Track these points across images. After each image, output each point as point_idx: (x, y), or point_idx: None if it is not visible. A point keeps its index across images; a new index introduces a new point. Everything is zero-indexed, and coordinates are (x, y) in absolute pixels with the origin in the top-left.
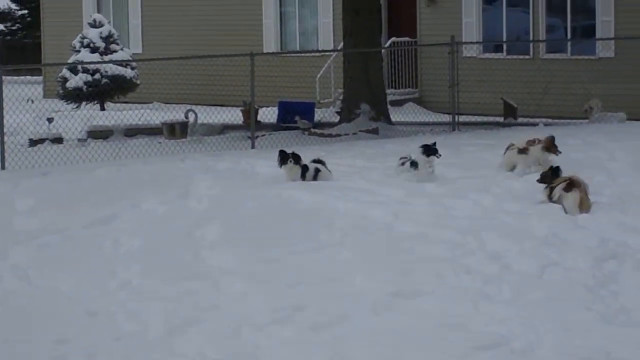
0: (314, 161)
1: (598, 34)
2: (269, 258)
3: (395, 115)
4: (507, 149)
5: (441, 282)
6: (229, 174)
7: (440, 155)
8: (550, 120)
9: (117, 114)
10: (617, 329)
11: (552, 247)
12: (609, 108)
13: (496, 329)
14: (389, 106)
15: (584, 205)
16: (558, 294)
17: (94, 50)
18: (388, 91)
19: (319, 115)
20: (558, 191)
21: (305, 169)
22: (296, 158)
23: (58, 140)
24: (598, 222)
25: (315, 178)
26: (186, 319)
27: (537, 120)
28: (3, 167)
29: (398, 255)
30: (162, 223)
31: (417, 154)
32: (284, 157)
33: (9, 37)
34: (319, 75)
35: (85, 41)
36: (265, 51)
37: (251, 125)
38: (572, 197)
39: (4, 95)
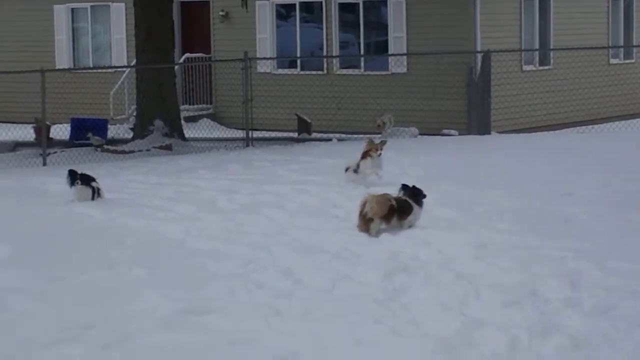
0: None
1: (390, 50)
2: (58, 276)
3: (190, 131)
4: (346, 171)
5: (232, 298)
6: (18, 192)
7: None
8: (344, 136)
9: None
10: (406, 340)
11: (344, 261)
12: (402, 123)
13: (286, 344)
14: (183, 122)
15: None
16: (349, 308)
17: None
18: (182, 107)
19: (112, 131)
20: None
21: (94, 189)
22: (85, 179)
23: None
24: (390, 236)
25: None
26: None
27: (331, 135)
28: None
29: (190, 271)
30: None
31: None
32: (73, 178)
33: None
34: (112, 92)
35: None
36: (58, 67)
37: (43, 142)
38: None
39: None
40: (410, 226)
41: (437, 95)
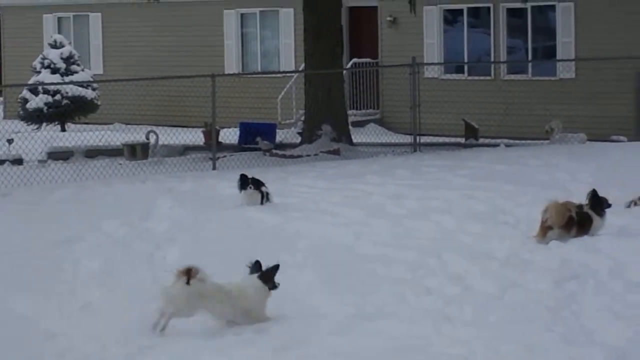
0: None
1: (559, 55)
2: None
3: (357, 136)
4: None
5: (403, 303)
6: (190, 196)
7: None
8: (511, 141)
9: (78, 135)
10: (578, 349)
11: (514, 268)
12: (570, 129)
13: (457, 350)
14: (350, 127)
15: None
16: (519, 315)
17: (54, 71)
18: (349, 112)
19: (280, 136)
20: None
21: (264, 194)
22: (256, 183)
23: (18, 161)
24: (559, 243)
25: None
26: (146, 342)
27: (498, 141)
28: None
29: (359, 276)
30: (123, 245)
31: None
32: (244, 182)
33: None
34: (280, 97)
35: (46, 62)
36: (226, 72)
37: (212, 146)
38: None
39: None
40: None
41: (606, 100)
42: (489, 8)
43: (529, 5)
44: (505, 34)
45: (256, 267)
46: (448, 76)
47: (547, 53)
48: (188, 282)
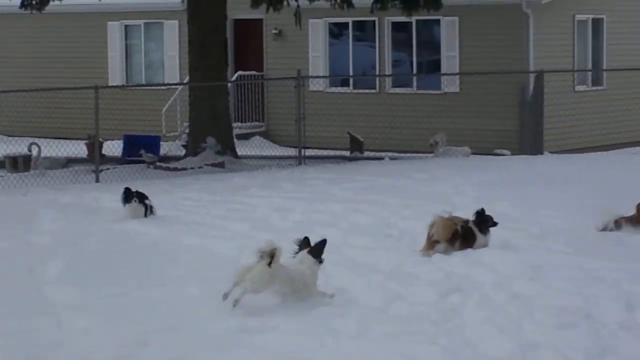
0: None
1: (443, 69)
2: (113, 293)
3: (242, 148)
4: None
5: (288, 317)
6: (73, 209)
7: None
8: (396, 154)
9: None
10: None
11: (399, 281)
12: (454, 142)
13: None
14: (235, 140)
15: None
16: (402, 328)
17: None
18: (234, 125)
19: (165, 148)
20: None
21: (148, 207)
22: (140, 196)
23: None
24: (443, 256)
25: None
26: (27, 357)
27: (383, 154)
28: None
29: None
30: (3, 258)
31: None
32: (128, 195)
33: None
34: (164, 109)
35: None
36: (110, 84)
37: (95, 159)
38: None
39: None
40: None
41: (490, 114)
42: (374, 21)
43: (413, 19)
44: (390, 48)
45: (305, 243)
46: (333, 89)
47: (431, 67)
48: (270, 264)
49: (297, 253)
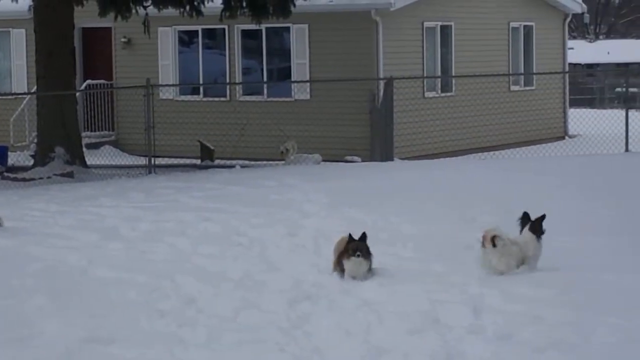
0: None
1: (293, 77)
2: None
3: (92, 158)
4: None
5: (136, 327)
6: None
7: None
8: (247, 162)
9: None
10: None
11: (248, 289)
12: (305, 150)
13: None
14: (84, 149)
15: None
16: (252, 336)
17: None
18: (84, 134)
19: (13, 159)
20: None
21: None
22: None
23: None
24: (293, 264)
25: None
26: None
27: (234, 162)
28: None
29: (93, 300)
30: None
31: None
32: None
33: None
34: (12, 118)
35: None
36: None
37: None
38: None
39: None
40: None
41: (340, 122)
42: (224, 29)
43: (263, 27)
44: (240, 56)
45: (526, 218)
46: (183, 97)
47: (282, 74)
48: (494, 245)
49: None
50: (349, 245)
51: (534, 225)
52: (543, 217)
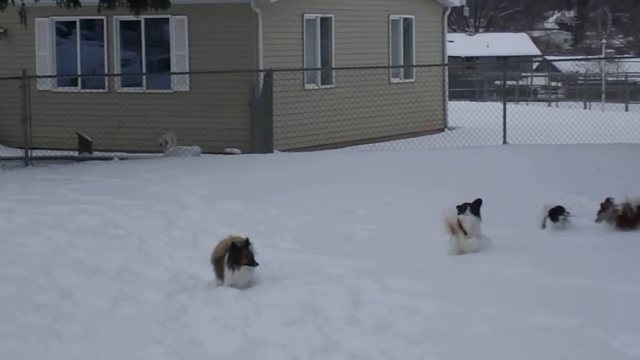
0: None
1: (173, 68)
2: None
3: None
4: None
5: (10, 320)
6: None
7: None
8: (126, 154)
9: None
10: None
11: (125, 282)
12: (184, 142)
13: None
14: None
15: None
16: (129, 328)
17: None
18: None
19: None
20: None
21: None
22: None
23: None
24: (172, 257)
25: None
26: None
27: (112, 154)
28: None
29: None
30: None
31: None
32: None
33: None
34: None
35: None
36: None
37: None
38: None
39: None
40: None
41: (220, 113)
42: (102, 20)
43: (142, 18)
44: (119, 47)
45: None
46: (61, 89)
47: (162, 66)
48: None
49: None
50: (234, 253)
51: (475, 208)
52: (480, 200)
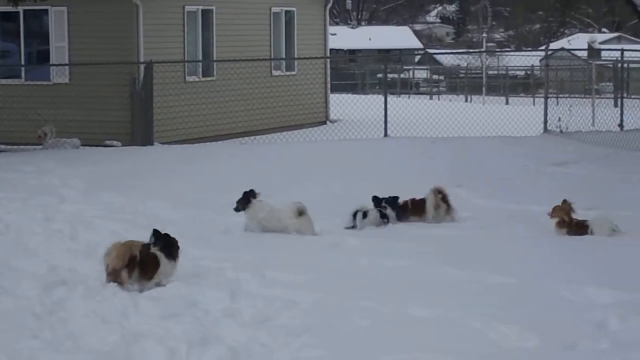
0: None
1: (52, 60)
2: None
3: None
4: None
5: None
6: None
7: None
8: (4, 147)
9: None
10: (64, 356)
11: (1, 275)
12: (64, 134)
13: None
14: None
15: None
16: (5, 323)
17: None
18: None
19: None
20: None
21: None
22: None
23: None
24: (49, 249)
25: None
26: None
27: None
28: None
29: None
30: None
31: None
32: None
33: None
34: None
35: None
36: None
37: None
38: None
39: None
40: (159, 285)
41: (100, 105)
42: None
43: (21, 9)
44: None
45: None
46: None
47: (41, 57)
48: None
49: None
50: (170, 247)
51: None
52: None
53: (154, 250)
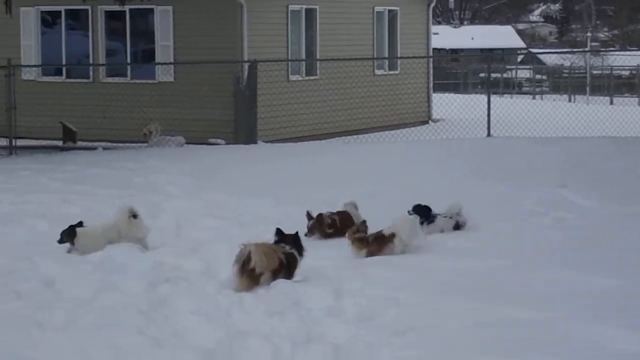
0: None
1: (157, 59)
2: None
3: None
4: None
5: None
6: None
7: None
8: (110, 144)
9: None
10: (169, 352)
11: (108, 271)
12: (168, 132)
13: (46, 356)
14: None
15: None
16: (112, 318)
17: None
18: None
19: None
20: None
21: None
22: None
23: None
24: (154, 246)
25: None
26: None
27: (96, 144)
28: None
29: None
30: None
31: None
32: None
33: None
34: None
35: None
36: None
37: None
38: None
39: None
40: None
41: (204, 104)
42: (87, 10)
43: (127, 8)
44: (104, 37)
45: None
46: (46, 78)
47: (146, 56)
48: None
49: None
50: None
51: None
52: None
53: (291, 250)
